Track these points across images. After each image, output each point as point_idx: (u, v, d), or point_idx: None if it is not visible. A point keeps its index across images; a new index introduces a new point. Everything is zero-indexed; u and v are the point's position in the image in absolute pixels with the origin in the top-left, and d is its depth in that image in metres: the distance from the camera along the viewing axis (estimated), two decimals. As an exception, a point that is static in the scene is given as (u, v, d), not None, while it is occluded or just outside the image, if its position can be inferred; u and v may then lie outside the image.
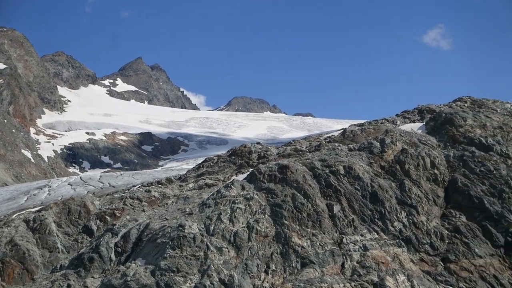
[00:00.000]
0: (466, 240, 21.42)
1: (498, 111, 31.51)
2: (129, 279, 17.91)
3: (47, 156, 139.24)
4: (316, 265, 19.31)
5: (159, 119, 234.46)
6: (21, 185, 52.80)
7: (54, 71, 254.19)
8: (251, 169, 26.80)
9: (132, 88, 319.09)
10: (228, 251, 19.27)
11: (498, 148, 26.22)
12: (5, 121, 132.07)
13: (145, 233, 21.97)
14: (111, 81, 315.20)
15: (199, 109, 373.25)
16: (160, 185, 29.75)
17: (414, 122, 33.04)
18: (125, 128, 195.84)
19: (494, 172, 24.49)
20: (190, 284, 17.66)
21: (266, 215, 21.36)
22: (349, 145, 28.53)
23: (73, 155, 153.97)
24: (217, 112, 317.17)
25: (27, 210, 29.49)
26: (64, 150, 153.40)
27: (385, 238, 21.22)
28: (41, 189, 41.47)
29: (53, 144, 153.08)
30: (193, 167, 35.08)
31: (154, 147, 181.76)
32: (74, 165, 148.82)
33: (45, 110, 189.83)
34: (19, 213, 28.45)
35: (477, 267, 20.38)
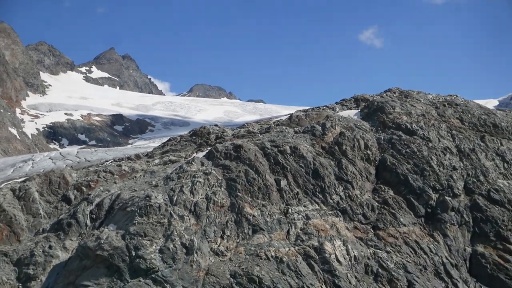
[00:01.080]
0: (393, 211, 21.82)
1: (422, 101, 31.97)
2: (102, 242, 17.79)
3: (31, 134, 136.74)
4: (265, 231, 19.47)
5: (129, 102, 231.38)
6: (8, 158, 51.66)
7: (37, 59, 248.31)
8: (210, 148, 26.66)
9: (106, 75, 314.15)
10: (189, 219, 19.23)
11: (421, 133, 26.66)
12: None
13: (117, 202, 21.96)
14: (87, 68, 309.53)
15: (164, 95, 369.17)
16: (129, 161, 29.46)
17: (351, 109, 33.26)
18: (99, 110, 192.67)
19: (417, 153, 24.93)
20: (155, 247, 17.61)
21: (222, 188, 21.37)
22: (295, 128, 28.59)
23: (54, 133, 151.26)
24: (180, 97, 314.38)
25: (14, 181, 28.90)
26: (46, 128, 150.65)
27: (324, 209, 21.42)
28: (26, 162, 40.71)
29: (36, 123, 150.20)
30: (159, 145, 34.79)
31: (124, 127, 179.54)
32: (54, 141, 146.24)
33: (29, 93, 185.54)
34: (6, 183, 27.86)
35: (402, 234, 20.82)
